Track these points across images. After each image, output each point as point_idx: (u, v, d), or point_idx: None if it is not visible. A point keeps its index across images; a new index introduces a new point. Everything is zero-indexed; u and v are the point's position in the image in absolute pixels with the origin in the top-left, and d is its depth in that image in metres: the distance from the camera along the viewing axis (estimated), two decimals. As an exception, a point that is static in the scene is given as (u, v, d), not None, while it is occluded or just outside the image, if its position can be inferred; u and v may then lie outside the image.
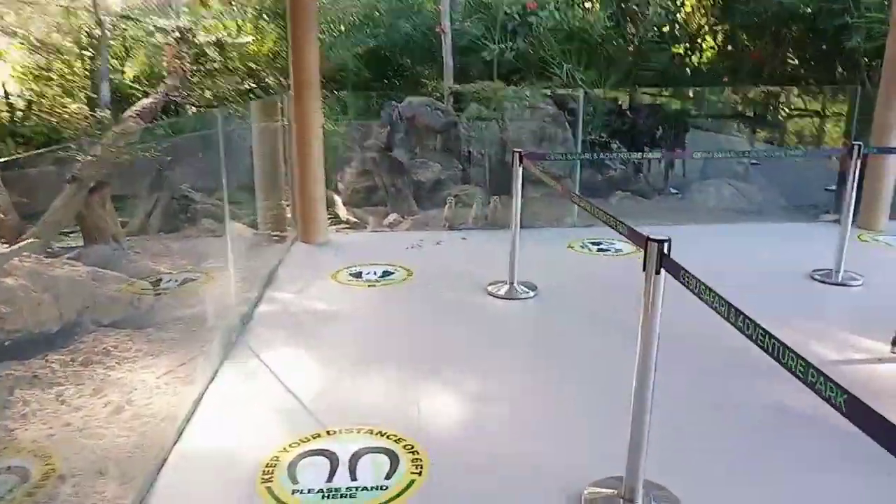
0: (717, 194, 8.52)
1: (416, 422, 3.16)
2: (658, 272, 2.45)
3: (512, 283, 5.14)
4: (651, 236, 2.50)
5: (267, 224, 7.15)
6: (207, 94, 10.07)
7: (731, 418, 3.22)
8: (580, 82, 8.41)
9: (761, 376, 3.33)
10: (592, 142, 8.82)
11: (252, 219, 7.40)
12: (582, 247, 6.47)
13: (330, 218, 8.05)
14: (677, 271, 2.36)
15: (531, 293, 5.09)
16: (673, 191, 8.90)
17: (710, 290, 2.16)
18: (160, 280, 5.33)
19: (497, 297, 5.06)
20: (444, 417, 3.23)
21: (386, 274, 5.59)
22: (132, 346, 4.13)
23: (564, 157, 5.44)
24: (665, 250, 2.44)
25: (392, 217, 7.42)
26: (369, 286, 5.32)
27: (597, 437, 2.99)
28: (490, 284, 5.25)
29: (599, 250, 6.35)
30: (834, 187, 8.95)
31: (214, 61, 11.45)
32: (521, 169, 4.99)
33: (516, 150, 5.02)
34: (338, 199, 8.64)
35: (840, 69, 8.63)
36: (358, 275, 5.55)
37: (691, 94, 9.77)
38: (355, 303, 4.98)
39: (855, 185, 5.08)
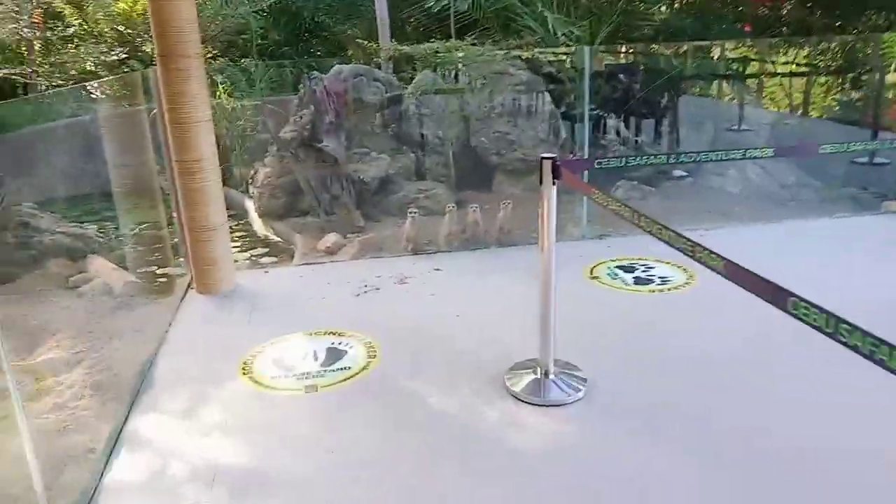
0: (741, 177, 6.73)
1: None
2: None
3: (546, 375, 3.12)
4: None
5: (140, 264, 4.85)
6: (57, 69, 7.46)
7: None
8: (567, 37, 6.36)
9: None
10: (576, 116, 6.83)
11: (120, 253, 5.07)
12: (611, 275, 4.51)
13: (241, 237, 5.76)
14: None
15: (579, 390, 3.10)
16: (681, 174, 7.05)
17: None
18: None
19: (527, 403, 3.03)
20: None
21: (333, 358, 3.45)
22: None
23: (623, 163, 3.37)
24: None
25: (330, 239, 5.23)
26: (306, 391, 3.18)
27: None
28: (509, 374, 3.22)
29: (638, 281, 4.41)
30: (865, 159, 7.34)
31: (70, 26, 8.72)
32: (554, 188, 2.94)
33: (546, 156, 2.95)
34: (250, 207, 6.35)
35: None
36: (288, 368, 3.39)
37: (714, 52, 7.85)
38: (285, 439, 2.84)
39: None
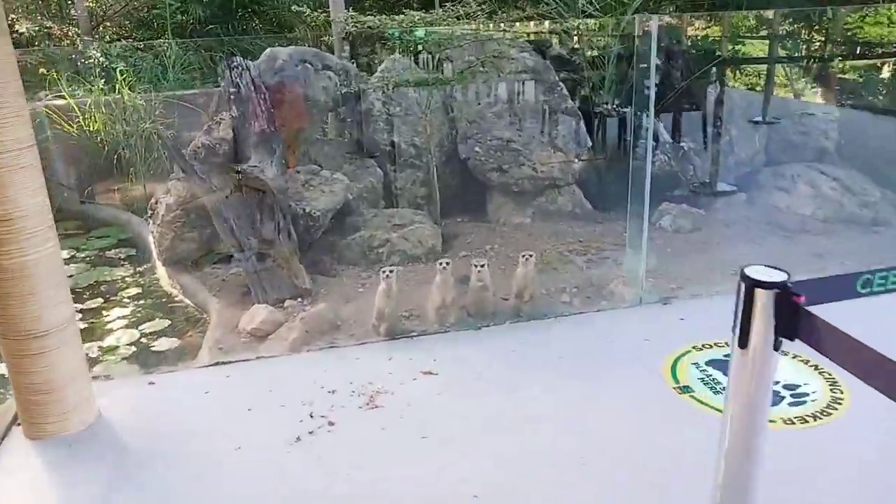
0: (813, 192, 5.12)
1: None
2: None
3: None
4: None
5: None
6: None
7: None
8: (590, 4, 4.63)
9: None
10: (602, 114, 5.14)
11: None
12: (707, 382, 2.82)
13: (134, 297, 3.99)
14: None
15: None
16: (729, 188, 5.40)
17: None
18: None
19: None
20: None
21: None
22: None
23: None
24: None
25: (259, 316, 3.43)
26: None
27: None
28: None
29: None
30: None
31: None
32: (773, 319, 1.19)
33: (764, 277, 1.19)
34: (153, 245, 4.52)
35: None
36: None
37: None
38: None
39: None
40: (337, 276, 3.95)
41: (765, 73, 6.54)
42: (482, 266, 3.37)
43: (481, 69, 4.51)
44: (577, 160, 4.70)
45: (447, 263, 3.26)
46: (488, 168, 4.72)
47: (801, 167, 5.38)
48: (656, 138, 5.01)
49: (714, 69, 5.34)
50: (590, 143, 4.80)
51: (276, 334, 3.32)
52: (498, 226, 4.68)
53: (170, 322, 3.82)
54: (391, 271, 3.22)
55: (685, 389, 2.78)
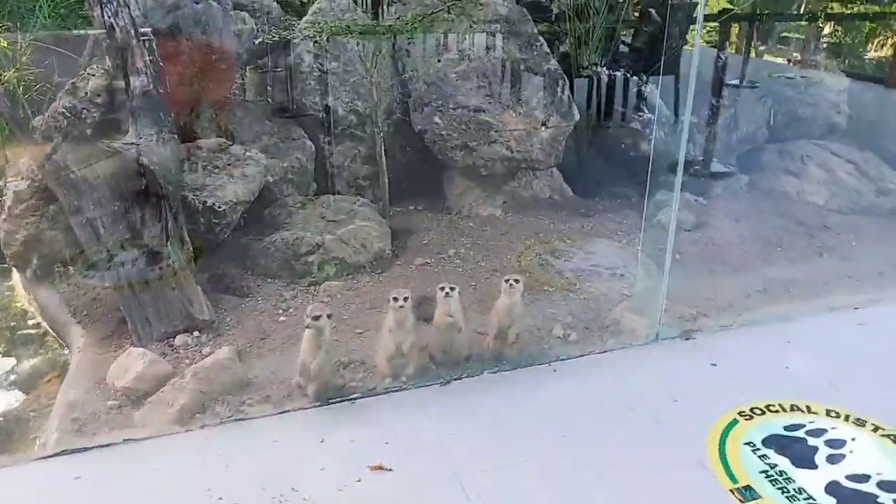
0: (826, 176, 4.38)
1: None
2: None
3: None
4: None
5: None
6: None
7: None
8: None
9: None
10: (592, 77, 4.22)
11: None
12: (770, 476, 2.01)
13: None
14: None
15: None
16: (726, 169, 4.59)
17: None
18: None
19: None
20: None
21: None
22: None
23: None
24: None
25: (134, 367, 2.40)
26: None
27: None
28: None
29: (838, 494, 1.93)
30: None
31: None
32: None
33: None
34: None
35: None
36: None
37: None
38: None
39: None
40: (251, 297, 2.93)
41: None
42: (451, 291, 2.43)
43: (446, 15, 3.47)
44: (561, 136, 3.75)
45: (405, 299, 2.30)
46: (451, 145, 3.74)
47: (809, 146, 4.62)
48: (640, 106, 4.12)
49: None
50: (577, 116, 3.86)
51: (159, 397, 2.32)
52: (461, 218, 3.73)
53: (13, 365, 2.74)
54: (318, 317, 2.24)
55: (748, 494, 1.95)
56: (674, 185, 3.72)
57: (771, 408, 2.32)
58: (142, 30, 3.02)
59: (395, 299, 2.30)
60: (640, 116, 4.07)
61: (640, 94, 4.14)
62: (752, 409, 2.31)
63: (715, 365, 2.56)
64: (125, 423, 2.29)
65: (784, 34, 7.05)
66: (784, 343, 2.69)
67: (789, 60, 6.61)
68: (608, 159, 4.15)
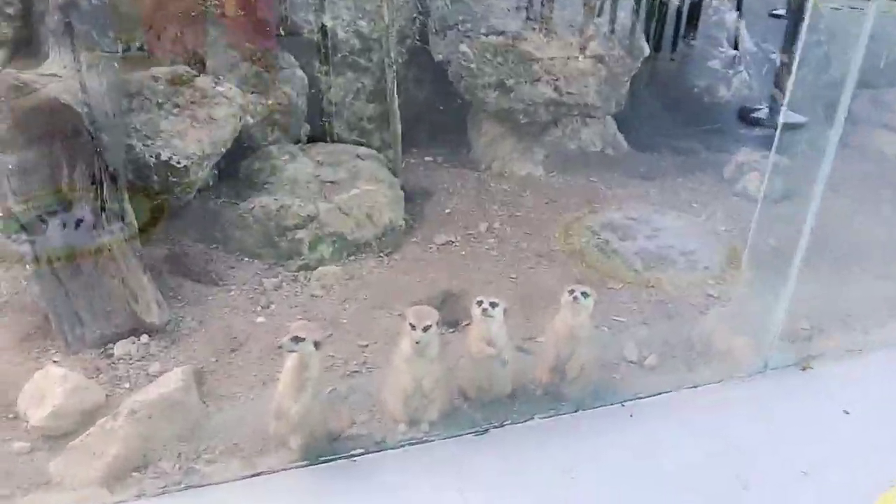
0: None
1: None
2: None
3: None
4: None
5: None
6: None
7: None
8: None
9: None
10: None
11: None
12: None
13: None
14: None
15: None
16: (797, 118, 3.75)
17: None
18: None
19: None
20: None
21: None
22: None
23: None
24: None
25: (53, 396, 1.73)
26: None
27: None
28: None
29: None
30: None
31: None
32: None
33: None
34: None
35: None
36: None
37: None
38: None
39: None
40: (220, 285, 2.21)
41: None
42: (491, 308, 1.71)
43: None
44: (625, 76, 2.94)
45: (426, 328, 1.58)
46: (481, 82, 2.93)
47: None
48: (736, 45, 3.28)
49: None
50: (647, 50, 3.03)
51: (84, 442, 1.64)
52: (492, 177, 2.97)
53: None
54: (300, 339, 1.53)
55: None
56: (769, 143, 2.93)
57: (939, 488, 1.66)
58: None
59: (414, 327, 1.58)
60: (721, 52, 3.23)
61: (721, 24, 3.28)
62: (913, 491, 1.65)
63: (848, 413, 1.88)
64: (35, 477, 1.63)
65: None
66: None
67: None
68: (673, 104, 3.34)
